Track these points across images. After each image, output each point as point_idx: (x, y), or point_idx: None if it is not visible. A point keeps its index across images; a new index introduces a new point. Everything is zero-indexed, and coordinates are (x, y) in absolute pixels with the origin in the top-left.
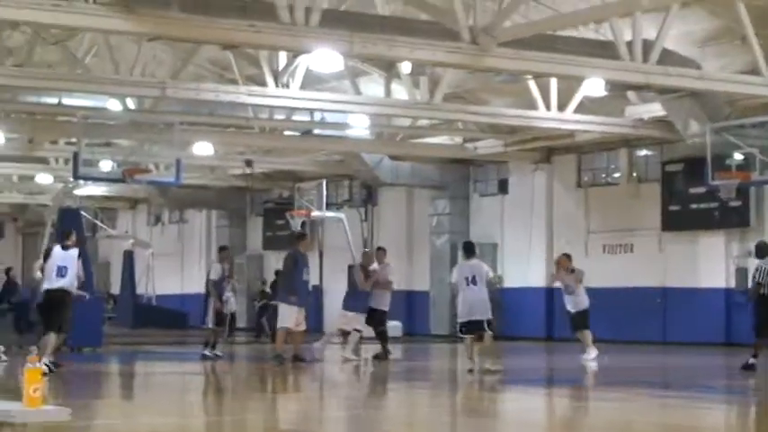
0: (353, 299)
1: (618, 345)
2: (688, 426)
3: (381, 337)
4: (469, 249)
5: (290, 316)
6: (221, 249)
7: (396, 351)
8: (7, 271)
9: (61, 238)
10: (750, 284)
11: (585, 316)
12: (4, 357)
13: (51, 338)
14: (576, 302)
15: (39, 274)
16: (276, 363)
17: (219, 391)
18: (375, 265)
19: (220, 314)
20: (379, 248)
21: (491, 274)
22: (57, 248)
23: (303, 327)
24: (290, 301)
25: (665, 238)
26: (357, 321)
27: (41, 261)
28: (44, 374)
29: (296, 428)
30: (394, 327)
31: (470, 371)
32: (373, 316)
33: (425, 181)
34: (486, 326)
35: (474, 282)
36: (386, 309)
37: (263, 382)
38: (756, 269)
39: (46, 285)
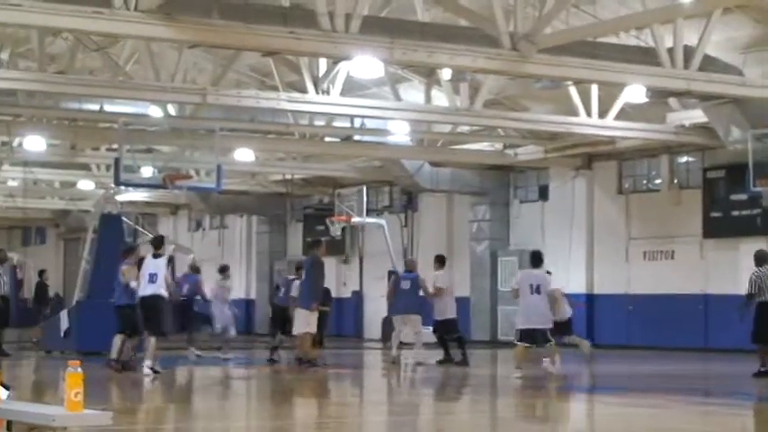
0: (403, 301)
1: (659, 351)
2: None
3: (459, 343)
4: (537, 259)
5: (312, 321)
6: (299, 268)
7: (437, 356)
8: (40, 273)
9: (153, 246)
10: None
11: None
12: (200, 353)
13: (152, 341)
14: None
15: (134, 282)
16: (314, 366)
17: (259, 396)
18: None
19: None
20: (437, 256)
21: (552, 287)
22: (148, 257)
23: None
24: (313, 306)
25: (706, 245)
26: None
27: (137, 270)
28: (153, 375)
29: None
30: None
31: (518, 378)
32: (444, 326)
33: (465, 187)
34: (549, 335)
35: (537, 291)
36: (453, 316)
37: (315, 388)
38: (754, 277)
39: (140, 293)
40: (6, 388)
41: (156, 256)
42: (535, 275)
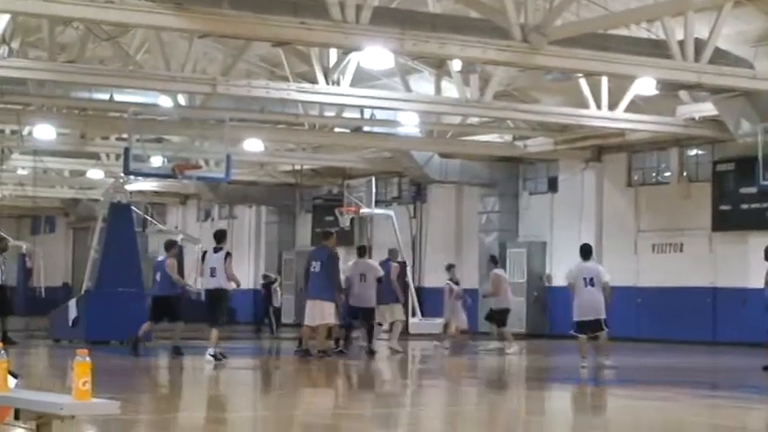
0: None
1: (667, 344)
2: (737, 426)
3: (369, 332)
4: (587, 252)
5: (330, 312)
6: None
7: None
8: None
9: (215, 240)
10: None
11: (505, 314)
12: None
13: (213, 332)
14: (499, 301)
15: (195, 275)
16: (332, 355)
17: (267, 386)
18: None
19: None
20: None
21: (607, 278)
22: (209, 251)
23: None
24: (335, 298)
25: (715, 238)
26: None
27: (201, 265)
28: (214, 362)
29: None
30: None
31: (584, 368)
32: (359, 313)
33: (475, 179)
34: (603, 324)
35: (592, 283)
36: (371, 305)
37: (334, 377)
38: None
39: (204, 286)
40: (14, 376)
41: (216, 249)
42: (588, 268)
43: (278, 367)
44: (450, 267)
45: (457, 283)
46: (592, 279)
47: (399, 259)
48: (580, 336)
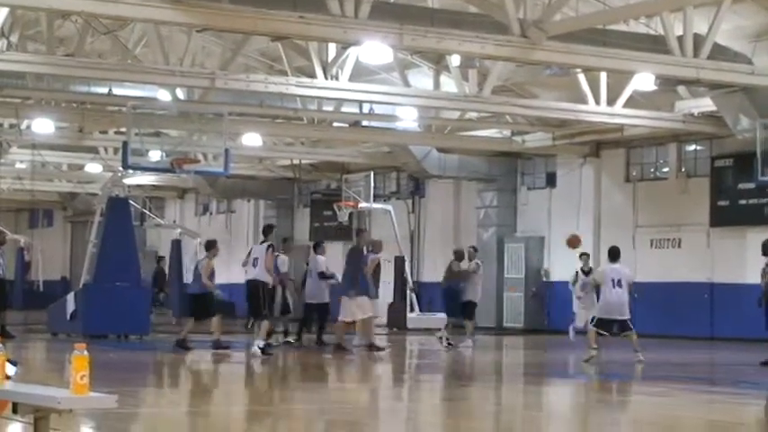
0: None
1: (664, 339)
2: (734, 422)
3: (319, 327)
4: (615, 254)
5: (358, 308)
6: (286, 240)
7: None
8: (158, 260)
9: (262, 234)
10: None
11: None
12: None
13: (264, 324)
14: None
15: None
16: (345, 353)
17: (268, 381)
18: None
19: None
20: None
21: (632, 279)
22: (256, 244)
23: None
24: (363, 294)
25: (713, 234)
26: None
27: (246, 257)
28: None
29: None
30: (440, 318)
31: (588, 359)
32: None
33: (473, 173)
34: (630, 324)
35: (619, 284)
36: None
37: (343, 371)
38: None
39: (245, 276)
40: (14, 364)
41: (262, 242)
42: (617, 270)
43: (278, 362)
44: (582, 255)
45: (587, 273)
46: (620, 280)
47: (397, 254)
48: (593, 327)
